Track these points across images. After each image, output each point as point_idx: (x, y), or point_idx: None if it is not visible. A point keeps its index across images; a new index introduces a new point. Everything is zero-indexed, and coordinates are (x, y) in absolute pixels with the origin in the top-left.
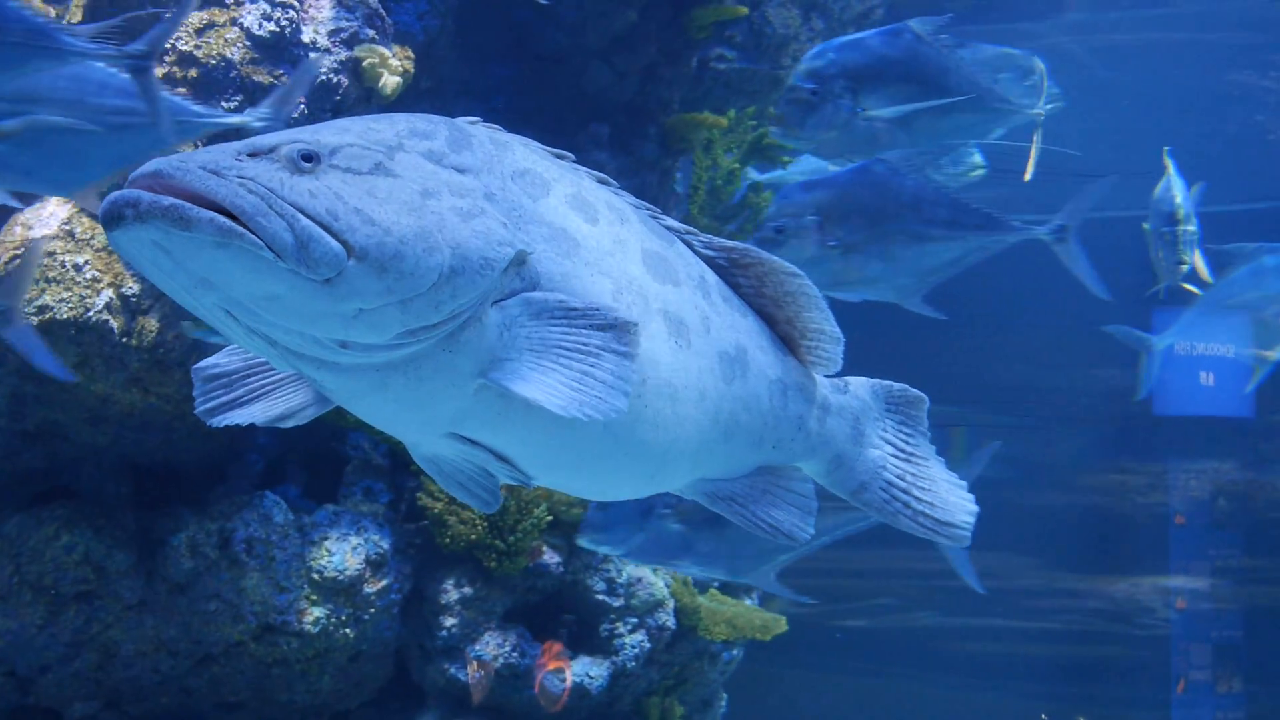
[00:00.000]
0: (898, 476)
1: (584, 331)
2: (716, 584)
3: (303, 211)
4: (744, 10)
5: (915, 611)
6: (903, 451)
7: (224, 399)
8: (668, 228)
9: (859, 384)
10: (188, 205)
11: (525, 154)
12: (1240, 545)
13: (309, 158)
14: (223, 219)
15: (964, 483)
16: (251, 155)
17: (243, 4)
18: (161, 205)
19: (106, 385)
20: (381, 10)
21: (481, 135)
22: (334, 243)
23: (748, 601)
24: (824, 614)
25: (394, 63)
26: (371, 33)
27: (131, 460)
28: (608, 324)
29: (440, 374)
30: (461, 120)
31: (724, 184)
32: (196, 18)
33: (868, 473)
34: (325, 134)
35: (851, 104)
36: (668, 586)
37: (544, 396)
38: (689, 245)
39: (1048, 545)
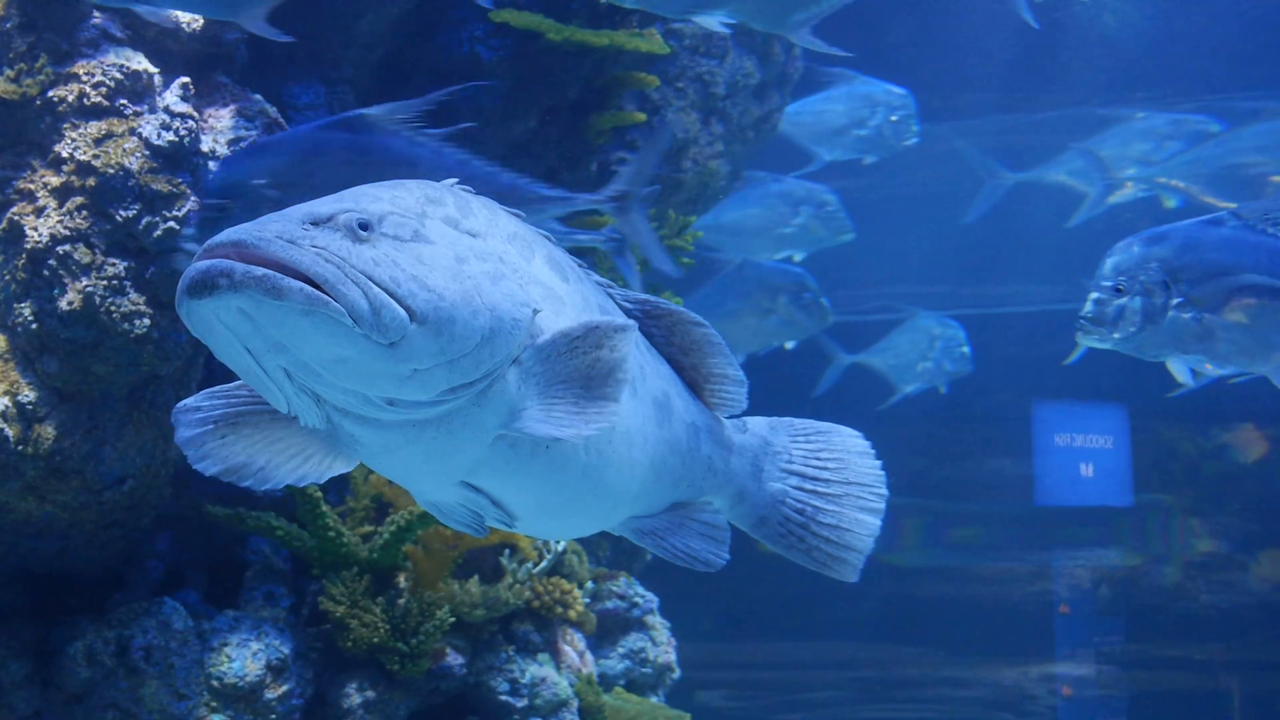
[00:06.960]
0: (797, 511)
1: (585, 356)
2: (622, 683)
3: (371, 279)
4: (642, 116)
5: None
6: (811, 481)
7: (240, 461)
8: (598, 283)
9: (757, 423)
10: (279, 275)
11: (508, 217)
12: (1123, 632)
13: (365, 226)
14: (310, 289)
15: (876, 517)
16: (314, 224)
17: (141, 114)
18: (254, 275)
19: (1, 494)
20: (281, 120)
21: (474, 200)
22: (400, 309)
23: (654, 699)
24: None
25: None
26: None
27: (27, 569)
28: (603, 339)
29: (468, 427)
30: (447, 183)
31: (624, 284)
32: (95, 127)
33: (766, 507)
34: (366, 202)
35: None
36: (572, 686)
37: (558, 431)
38: (613, 299)
39: (936, 634)
